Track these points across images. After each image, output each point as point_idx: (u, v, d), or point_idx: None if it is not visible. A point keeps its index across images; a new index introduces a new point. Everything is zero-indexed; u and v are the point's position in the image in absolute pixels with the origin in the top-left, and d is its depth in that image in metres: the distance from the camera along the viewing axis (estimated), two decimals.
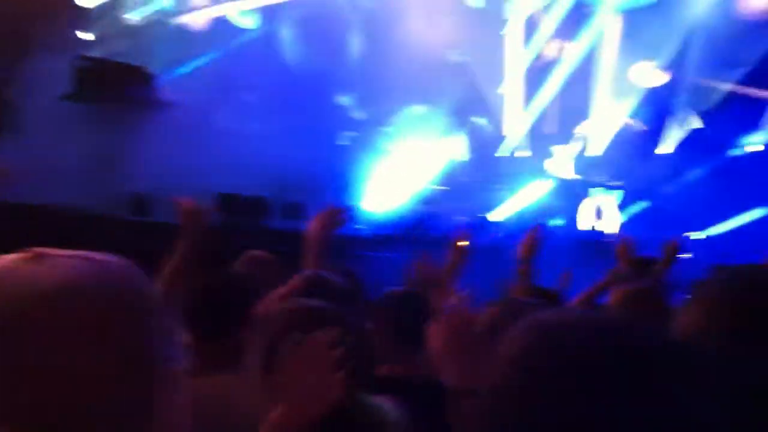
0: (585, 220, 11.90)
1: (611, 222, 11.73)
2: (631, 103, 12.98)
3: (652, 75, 12.87)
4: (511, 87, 14.30)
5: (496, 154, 13.84)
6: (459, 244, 3.75)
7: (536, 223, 4.31)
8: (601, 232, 11.64)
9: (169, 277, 3.05)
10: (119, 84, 9.42)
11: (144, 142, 9.10)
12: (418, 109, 13.57)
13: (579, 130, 13.27)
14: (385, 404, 2.10)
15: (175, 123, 9.99)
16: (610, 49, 13.41)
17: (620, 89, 13.19)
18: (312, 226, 3.41)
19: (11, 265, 0.99)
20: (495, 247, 9.30)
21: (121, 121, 9.25)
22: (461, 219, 10.86)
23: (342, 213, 3.54)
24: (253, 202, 9.05)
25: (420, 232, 10.43)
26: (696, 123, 12.42)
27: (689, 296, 3.36)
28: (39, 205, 7.01)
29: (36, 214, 6.73)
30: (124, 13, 11.85)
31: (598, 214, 11.91)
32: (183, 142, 9.45)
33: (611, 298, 3.43)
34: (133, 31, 11.83)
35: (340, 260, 3.84)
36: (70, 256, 1.01)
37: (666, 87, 12.73)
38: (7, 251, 1.01)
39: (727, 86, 11.98)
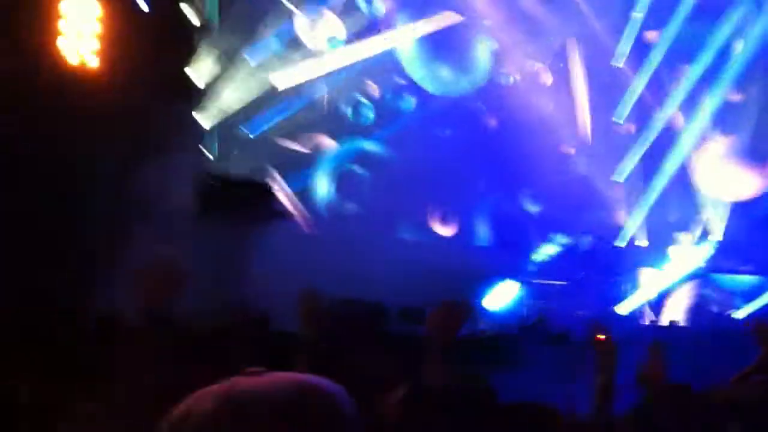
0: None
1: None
2: None
3: None
4: (626, 173, 14.09)
5: (615, 244, 13.55)
6: (598, 338, 3.47)
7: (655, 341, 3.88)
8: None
9: None
10: (243, 198, 9.77)
11: (267, 254, 9.36)
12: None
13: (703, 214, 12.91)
14: None
15: (298, 233, 10.28)
16: None
17: None
18: (430, 325, 3.24)
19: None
20: (625, 342, 9.00)
21: (246, 234, 9.56)
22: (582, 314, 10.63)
23: (462, 307, 3.36)
24: (369, 308, 9.05)
25: (542, 330, 10.21)
26: None
27: None
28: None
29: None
30: (241, 128, 12.40)
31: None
32: (306, 251, 9.69)
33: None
34: (252, 144, 12.35)
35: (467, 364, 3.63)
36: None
37: None
38: None
39: None
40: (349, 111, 12.74)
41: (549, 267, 12.21)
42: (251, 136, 12.35)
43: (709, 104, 13.21)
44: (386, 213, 12.29)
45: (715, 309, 11.52)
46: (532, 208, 13.78)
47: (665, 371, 3.64)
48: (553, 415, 3.08)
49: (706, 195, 13.01)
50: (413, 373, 3.11)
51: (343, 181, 12.42)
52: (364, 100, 12.85)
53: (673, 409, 3.38)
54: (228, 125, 12.12)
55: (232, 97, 11.93)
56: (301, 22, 12.19)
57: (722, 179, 12.86)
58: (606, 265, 12.40)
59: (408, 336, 8.38)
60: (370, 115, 12.82)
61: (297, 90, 12.62)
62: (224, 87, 11.83)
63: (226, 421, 0.99)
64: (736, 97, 12.90)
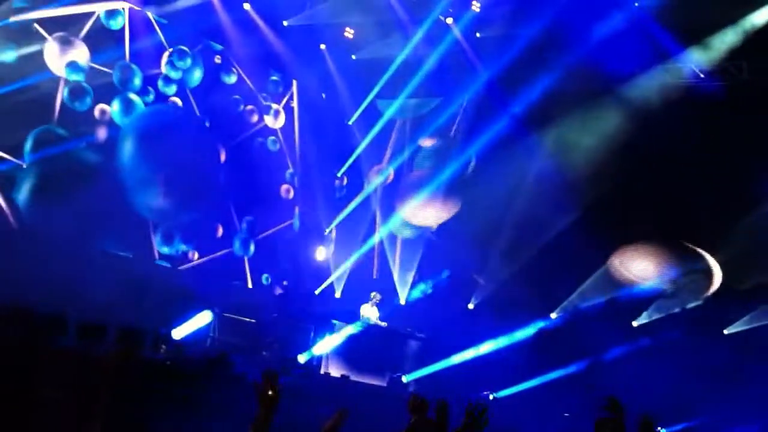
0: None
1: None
2: None
3: None
4: (338, 226, 14.64)
5: (315, 292, 13.96)
6: (268, 393, 3.46)
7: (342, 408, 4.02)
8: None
9: None
10: None
11: None
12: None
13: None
14: None
15: None
16: None
17: None
18: (104, 362, 3.22)
19: None
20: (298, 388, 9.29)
21: None
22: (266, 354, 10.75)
23: (135, 340, 3.34)
24: (46, 320, 8.55)
25: (223, 367, 10.16)
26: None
27: None
28: None
29: None
30: None
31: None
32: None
33: None
34: None
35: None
36: None
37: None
38: None
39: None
40: (65, 93, 11.90)
41: (243, 303, 12.23)
42: None
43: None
44: (95, 221, 11.71)
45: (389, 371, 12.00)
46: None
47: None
48: None
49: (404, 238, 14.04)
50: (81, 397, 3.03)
51: (49, 178, 11.63)
52: (86, 86, 12.06)
53: None
54: None
55: None
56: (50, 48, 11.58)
57: (418, 210, 14.04)
58: (298, 311, 12.62)
59: (82, 354, 8.01)
60: (88, 100, 12.05)
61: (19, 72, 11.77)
62: None
63: None
64: (428, 143, 14.25)
